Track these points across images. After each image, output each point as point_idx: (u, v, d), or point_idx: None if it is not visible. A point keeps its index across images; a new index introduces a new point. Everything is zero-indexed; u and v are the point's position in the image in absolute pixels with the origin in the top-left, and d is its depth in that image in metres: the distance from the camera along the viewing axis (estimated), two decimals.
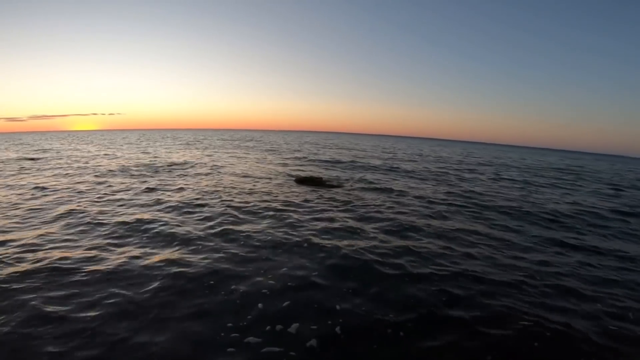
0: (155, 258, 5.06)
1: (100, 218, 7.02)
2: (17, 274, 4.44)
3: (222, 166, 16.32)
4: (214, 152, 25.20)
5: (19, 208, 7.84)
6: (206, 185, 10.98)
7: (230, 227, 6.60)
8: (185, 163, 17.15)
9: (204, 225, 6.68)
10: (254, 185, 11.25)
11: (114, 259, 5.03)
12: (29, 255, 5.05)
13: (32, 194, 9.42)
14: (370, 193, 10.75)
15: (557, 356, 3.27)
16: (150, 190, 10.13)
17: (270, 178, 13.04)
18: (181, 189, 10.38)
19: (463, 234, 6.82)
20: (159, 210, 7.76)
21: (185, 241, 5.80)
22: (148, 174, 13.51)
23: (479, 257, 5.66)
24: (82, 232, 6.22)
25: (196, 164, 16.98)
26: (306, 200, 9.20)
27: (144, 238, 5.95)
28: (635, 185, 18.60)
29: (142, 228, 6.41)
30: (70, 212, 7.41)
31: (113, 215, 7.25)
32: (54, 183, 11.18)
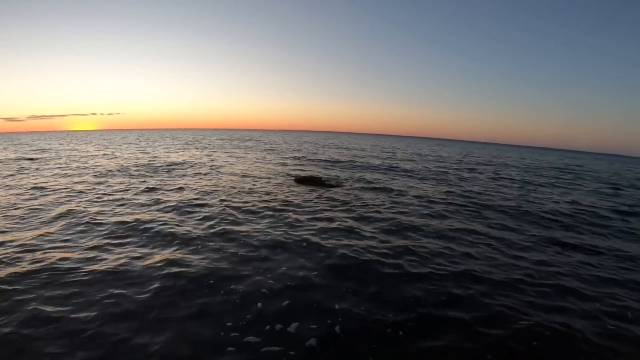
0: (155, 258, 5.06)
1: (100, 218, 7.01)
2: (17, 275, 4.43)
3: (221, 166, 16.30)
4: (213, 151, 25.18)
5: (18, 208, 7.82)
6: (205, 185, 10.97)
7: (230, 227, 6.60)
8: (184, 163, 17.14)
9: (204, 225, 6.67)
10: (253, 185, 11.25)
11: (113, 259, 5.02)
12: (28, 256, 5.04)
13: (31, 194, 9.40)
14: (369, 192, 10.75)
15: (557, 356, 3.27)
16: (149, 190, 10.12)
17: (269, 178, 13.03)
18: (180, 188, 10.37)
19: (462, 234, 6.82)
20: (158, 210, 7.76)
21: (184, 241, 5.80)
22: (147, 174, 13.49)
23: (478, 256, 5.66)
24: (81, 232, 6.21)
25: (195, 163, 16.96)
26: (305, 200, 9.20)
27: (143, 238, 5.94)
28: (634, 185, 18.63)
29: (142, 228, 6.40)
30: (69, 212, 7.40)
31: (112, 216, 7.24)
32: (53, 183, 11.16)
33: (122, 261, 4.94)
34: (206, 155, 22.18)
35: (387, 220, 7.47)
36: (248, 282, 4.40)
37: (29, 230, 6.31)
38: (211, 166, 16.09)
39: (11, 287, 4.11)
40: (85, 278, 4.40)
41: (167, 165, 15.98)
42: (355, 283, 4.50)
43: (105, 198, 9.01)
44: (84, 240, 5.81)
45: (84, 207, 7.89)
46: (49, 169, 14.96)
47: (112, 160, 18.51)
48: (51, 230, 6.29)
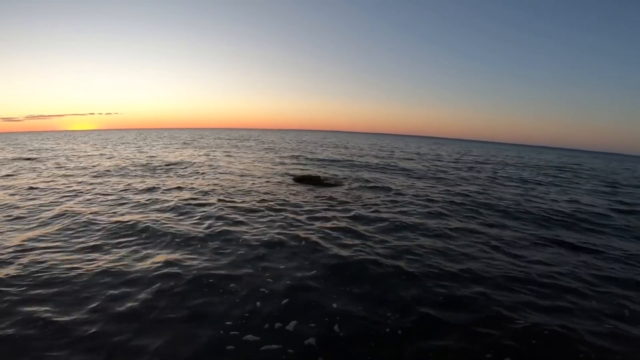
0: (153, 258, 5.04)
1: (97, 218, 6.98)
2: (14, 276, 4.41)
3: (219, 165, 16.27)
4: (212, 151, 25.12)
5: (14, 209, 7.78)
6: (204, 185, 10.94)
7: (228, 226, 6.58)
8: (182, 162, 17.09)
9: (202, 225, 6.65)
10: (252, 185, 11.23)
11: (112, 259, 5.00)
12: (25, 257, 5.01)
13: (28, 195, 9.36)
14: (368, 192, 10.75)
15: (557, 356, 3.26)
16: (147, 190, 10.09)
17: (268, 177, 13.01)
18: (178, 188, 10.34)
19: (461, 233, 6.82)
20: (156, 211, 7.73)
21: (183, 241, 5.78)
22: (145, 173, 13.45)
23: (477, 256, 5.66)
24: (79, 232, 6.18)
25: (193, 163, 16.92)
26: (304, 199, 9.18)
27: (141, 239, 5.91)
28: (632, 183, 18.69)
29: (140, 228, 6.37)
30: (66, 213, 7.36)
31: (110, 216, 7.22)
32: (50, 183, 11.11)
33: (120, 262, 4.92)
34: (204, 154, 22.13)
35: (385, 220, 7.46)
36: (247, 282, 4.39)
37: (26, 230, 6.28)
38: (209, 166, 16.05)
39: (8, 289, 4.09)
40: (84, 279, 4.38)
41: (166, 165, 15.94)
42: (354, 282, 4.49)
43: (103, 198, 8.98)
44: (81, 240, 5.78)
45: (82, 208, 7.86)
46: (46, 169, 14.90)
47: (110, 160, 18.45)
48: (48, 230, 6.26)
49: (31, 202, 8.41)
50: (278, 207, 8.24)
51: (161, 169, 14.69)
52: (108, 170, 14.07)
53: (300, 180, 12.18)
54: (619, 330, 3.70)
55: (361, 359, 3.09)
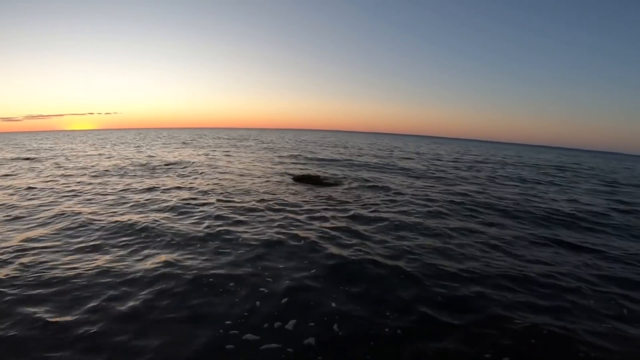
0: (153, 259, 5.04)
1: (96, 219, 6.97)
2: (12, 277, 4.40)
3: (218, 165, 16.25)
4: (211, 151, 25.10)
5: (13, 209, 7.78)
6: (203, 185, 10.94)
7: (228, 226, 6.58)
8: (181, 162, 17.07)
9: (201, 225, 6.65)
10: (251, 184, 11.22)
11: (111, 259, 5.00)
12: (25, 257, 5.01)
13: (27, 195, 9.35)
14: (367, 191, 10.75)
15: (556, 356, 3.26)
16: (146, 190, 10.08)
17: (267, 177, 13.01)
18: (178, 188, 10.34)
19: (460, 233, 6.83)
20: (155, 210, 7.72)
21: (182, 241, 5.77)
22: (144, 173, 13.44)
23: (476, 256, 5.67)
24: (77, 233, 6.18)
25: (193, 163, 16.90)
26: (303, 199, 9.18)
27: (141, 238, 5.91)
28: (632, 183, 18.72)
29: (139, 228, 6.36)
30: (65, 213, 7.36)
31: (108, 216, 7.21)
32: (49, 183, 11.10)
33: (119, 261, 4.92)
34: (204, 154, 22.12)
35: (385, 219, 7.46)
36: (246, 281, 4.39)
37: (25, 230, 6.28)
38: (209, 165, 16.04)
39: (8, 289, 4.09)
40: (83, 279, 4.37)
41: (165, 165, 15.92)
42: (353, 282, 4.49)
43: (102, 198, 8.97)
44: (80, 240, 5.78)
45: (81, 207, 7.86)
46: (45, 168, 14.89)
47: (109, 159, 18.44)
48: (48, 230, 6.25)
49: (30, 202, 8.40)
50: (277, 206, 8.24)
51: (160, 169, 14.68)
52: (107, 170, 14.06)
53: (299, 179, 12.18)
54: (619, 330, 3.70)
55: (360, 358, 3.10)
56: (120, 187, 10.47)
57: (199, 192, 9.77)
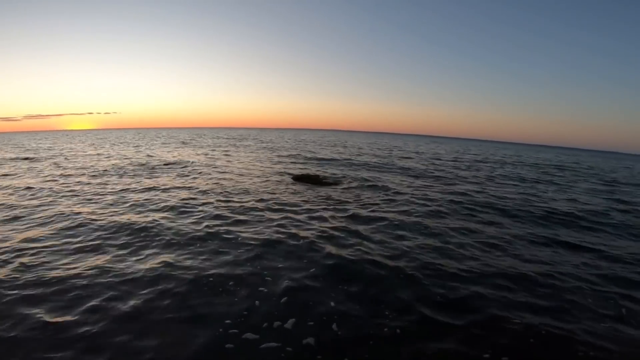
0: (152, 258, 5.04)
1: (95, 219, 6.97)
2: (11, 277, 4.40)
3: (218, 165, 16.25)
4: (210, 150, 25.09)
5: (12, 209, 7.77)
6: (202, 184, 10.94)
7: (227, 226, 6.58)
8: (181, 162, 17.06)
9: (201, 225, 6.65)
10: (251, 184, 11.22)
11: (110, 259, 5.00)
12: (24, 257, 5.01)
13: (26, 195, 9.34)
14: (367, 191, 10.75)
15: (555, 356, 3.26)
16: (145, 190, 10.07)
17: (266, 176, 13.01)
18: (177, 188, 10.33)
19: (460, 233, 6.83)
20: (154, 210, 7.72)
21: (182, 241, 5.77)
22: (143, 173, 13.43)
23: (475, 255, 5.67)
24: (77, 233, 6.18)
25: (192, 162, 16.89)
26: (303, 199, 9.18)
27: (140, 238, 5.91)
28: (631, 182, 18.74)
29: (138, 228, 6.36)
30: (64, 213, 7.36)
31: (107, 216, 7.21)
32: (47, 183, 11.09)
33: (119, 262, 4.92)
34: (203, 154, 22.11)
35: (384, 219, 7.46)
36: (246, 281, 4.40)
37: (25, 230, 6.27)
38: (208, 165, 16.04)
39: (8, 289, 4.08)
40: (83, 279, 4.37)
41: (164, 165, 15.91)
42: (353, 282, 4.49)
43: (101, 198, 8.96)
44: (80, 240, 5.78)
45: (80, 207, 7.85)
46: (44, 168, 14.87)
47: (108, 159, 18.42)
48: (47, 230, 6.25)
49: (29, 202, 8.40)
50: (277, 206, 8.25)
51: (160, 169, 14.67)
52: (106, 170, 14.04)
53: (298, 179, 12.18)
54: (618, 330, 3.71)
55: (359, 358, 3.10)
56: (119, 187, 10.46)
57: (199, 191, 9.77)
